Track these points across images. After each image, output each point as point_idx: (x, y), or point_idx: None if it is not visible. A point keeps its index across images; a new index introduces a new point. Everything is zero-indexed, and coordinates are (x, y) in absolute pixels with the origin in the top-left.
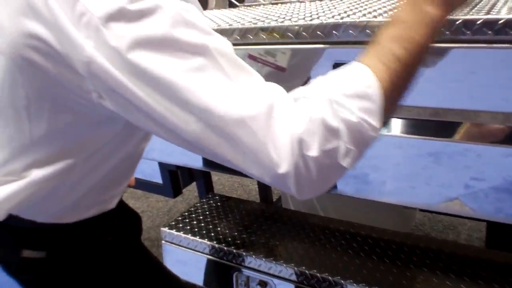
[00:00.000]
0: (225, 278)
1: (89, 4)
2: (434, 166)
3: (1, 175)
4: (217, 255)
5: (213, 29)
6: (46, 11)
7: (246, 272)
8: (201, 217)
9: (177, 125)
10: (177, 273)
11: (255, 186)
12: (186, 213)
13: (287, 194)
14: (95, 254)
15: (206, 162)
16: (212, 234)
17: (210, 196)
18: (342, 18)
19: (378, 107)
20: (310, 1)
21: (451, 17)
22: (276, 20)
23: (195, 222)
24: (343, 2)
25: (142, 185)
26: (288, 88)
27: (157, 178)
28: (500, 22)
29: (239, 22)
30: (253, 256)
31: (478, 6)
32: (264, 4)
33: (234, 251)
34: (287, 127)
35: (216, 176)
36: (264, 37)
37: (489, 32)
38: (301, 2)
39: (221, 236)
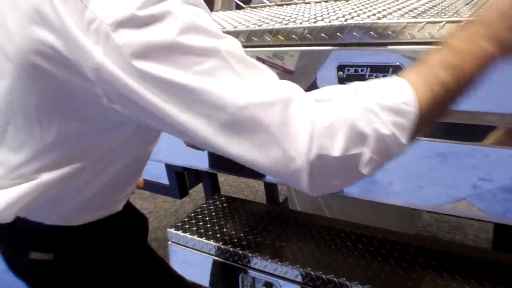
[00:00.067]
0: (231, 279)
1: (98, 10)
2: (442, 167)
3: (11, 178)
4: (223, 256)
5: None
6: (54, 17)
7: (252, 273)
8: (207, 218)
9: (190, 125)
10: (184, 274)
11: (261, 187)
12: (193, 214)
13: (293, 195)
14: (101, 256)
15: (212, 163)
16: (218, 235)
17: (216, 197)
18: (346, 20)
19: (410, 125)
20: (316, 3)
21: None
22: (281, 23)
23: (201, 223)
24: (348, 4)
25: (149, 186)
26: None
27: (164, 179)
28: None
29: (244, 25)
30: (259, 257)
31: None
32: (269, 6)
33: (240, 252)
34: (306, 123)
35: (223, 177)
36: (269, 39)
37: None
38: (306, 3)
39: (227, 237)
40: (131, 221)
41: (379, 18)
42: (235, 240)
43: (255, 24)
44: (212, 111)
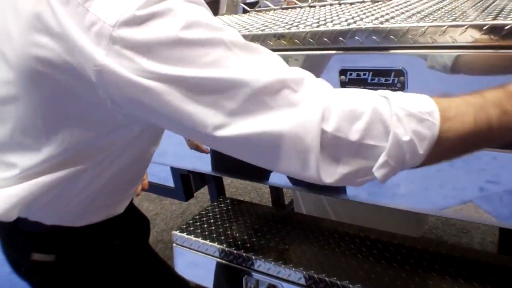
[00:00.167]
0: (235, 281)
1: (100, 13)
2: (449, 169)
3: (16, 178)
4: (227, 258)
5: None
6: (55, 23)
7: (256, 275)
8: (212, 221)
9: (197, 117)
10: (188, 276)
11: (268, 189)
12: (197, 216)
13: (299, 198)
14: (102, 258)
15: (216, 167)
16: (223, 237)
17: (221, 199)
18: (349, 25)
19: (431, 137)
20: (320, 6)
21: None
22: (284, 27)
23: (205, 226)
24: (352, 7)
25: (155, 188)
26: None
27: (170, 182)
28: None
29: (247, 29)
30: (263, 260)
31: None
32: (274, 10)
33: (244, 254)
34: (319, 104)
35: (229, 179)
36: (272, 43)
37: None
38: (311, 7)
39: (231, 240)
40: (132, 222)
41: (381, 22)
42: (239, 242)
43: (258, 28)
44: (220, 100)
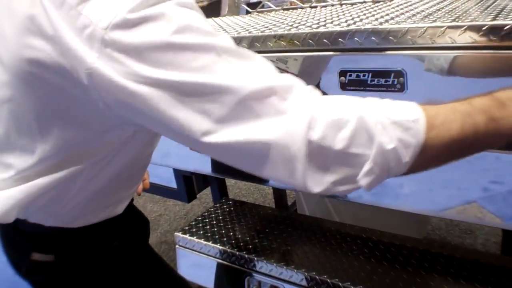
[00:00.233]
0: (237, 282)
1: (92, 16)
2: (452, 169)
3: (13, 180)
4: (229, 259)
5: None
6: (48, 25)
7: (258, 276)
8: (214, 222)
9: (185, 122)
10: (191, 277)
11: (271, 190)
12: (200, 218)
13: (302, 199)
14: (101, 258)
15: (218, 168)
16: (225, 238)
17: (224, 200)
18: (348, 26)
19: (416, 144)
20: (322, 7)
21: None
22: (284, 28)
23: (208, 227)
24: (353, 8)
25: (158, 189)
26: None
27: (173, 183)
28: None
29: (247, 30)
30: (265, 261)
31: None
32: (276, 10)
33: (246, 256)
34: (306, 112)
35: (232, 180)
36: (272, 45)
37: None
38: (312, 7)
39: (233, 241)
40: (132, 223)
41: (381, 23)
42: (241, 243)
43: (258, 30)
44: (209, 105)
